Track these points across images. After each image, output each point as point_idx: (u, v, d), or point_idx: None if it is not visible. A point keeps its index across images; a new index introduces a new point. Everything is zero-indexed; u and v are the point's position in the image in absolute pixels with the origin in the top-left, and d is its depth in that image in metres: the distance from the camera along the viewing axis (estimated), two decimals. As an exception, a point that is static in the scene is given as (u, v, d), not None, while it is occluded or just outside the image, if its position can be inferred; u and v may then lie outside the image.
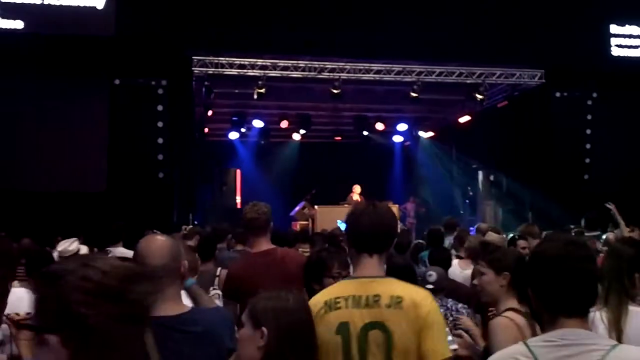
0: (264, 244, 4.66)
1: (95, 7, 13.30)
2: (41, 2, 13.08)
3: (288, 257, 4.67)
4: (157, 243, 2.79)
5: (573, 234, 8.64)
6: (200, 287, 3.67)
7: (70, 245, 6.08)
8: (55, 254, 6.15)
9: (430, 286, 4.77)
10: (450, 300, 4.89)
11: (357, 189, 17.25)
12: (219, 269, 5.87)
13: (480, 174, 18.12)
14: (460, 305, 4.82)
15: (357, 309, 2.67)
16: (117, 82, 13.44)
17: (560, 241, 2.17)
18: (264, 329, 2.34)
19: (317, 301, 2.76)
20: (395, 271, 5.00)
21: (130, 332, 1.45)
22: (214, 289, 5.49)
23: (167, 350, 2.54)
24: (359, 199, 16.99)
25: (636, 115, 15.46)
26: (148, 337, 2.52)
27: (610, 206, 7.33)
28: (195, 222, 13.99)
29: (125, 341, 1.44)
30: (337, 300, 2.71)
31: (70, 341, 1.38)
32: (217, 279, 5.71)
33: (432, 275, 4.94)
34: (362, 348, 2.63)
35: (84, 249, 6.26)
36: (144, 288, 1.49)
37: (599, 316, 3.38)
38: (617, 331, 3.22)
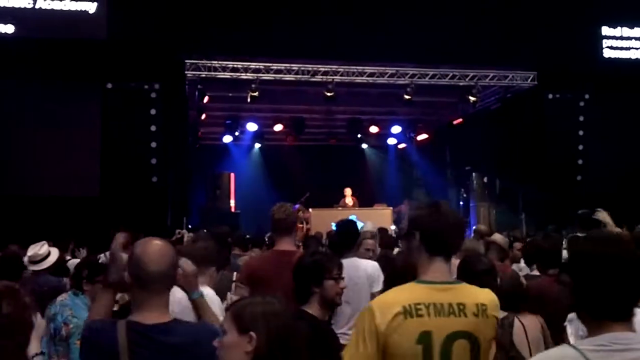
0: (285, 245, 4.77)
1: (87, 11, 13.29)
2: (32, 6, 13.06)
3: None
4: (155, 248, 2.70)
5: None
6: (206, 301, 3.65)
7: (40, 249, 6.05)
8: (25, 259, 6.12)
9: None
10: None
11: (348, 191, 17.26)
12: (235, 273, 5.75)
13: (474, 176, 18.13)
14: None
15: (441, 318, 2.54)
16: (109, 86, 13.41)
17: (607, 240, 2.09)
18: (252, 333, 2.30)
19: (389, 304, 2.57)
20: (396, 272, 5.01)
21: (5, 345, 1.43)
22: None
23: (137, 356, 2.54)
24: (352, 202, 16.99)
25: (628, 116, 15.52)
26: (122, 339, 2.54)
27: (601, 215, 7.19)
28: (189, 226, 13.95)
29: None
30: (418, 307, 2.54)
31: None
32: (233, 284, 5.61)
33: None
34: (446, 357, 2.52)
35: (54, 252, 6.22)
36: (14, 302, 1.47)
37: None
38: None
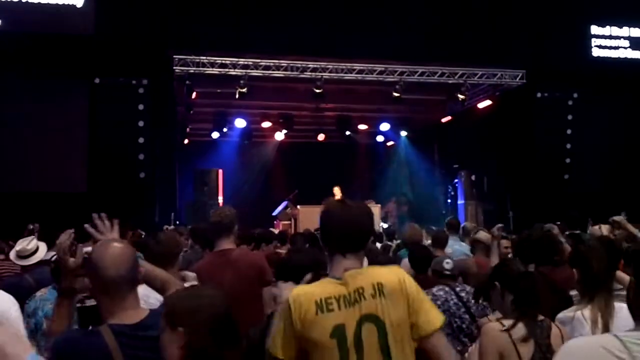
0: (224, 244, 4.91)
1: (74, 5, 13.20)
2: (19, 0, 12.95)
3: (241, 257, 4.92)
4: (113, 252, 2.68)
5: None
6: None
7: (28, 244, 6.01)
8: (12, 254, 6.08)
9: (448, 272, 4.95)
10: (467, 286, 4.97)
11: (337, 191, 17.24)
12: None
13: (462, 174, 18.17)
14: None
15: (350, 309, 2.59)
16: (97, 81, 13.33)
17: None
18: (180, 329, 2.31)
19: (304, 297, 2.62)
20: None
21: None
22: None
23: (126, 357, 2.53)
24: (340, 202, 16.95)
25: (616, 115, 15.59)
26: (112, 343, 2.52)
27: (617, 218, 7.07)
28: (177, 222, 13.91)
29: None
30: (329, 302, 2.60)
31: None
32: None
33: (449, 262, 5.02)
34: (359, 345, 2.55)
35: (42, 247, 6.17)
36: None
37: (580, 315, 3.38)
38: (604, 327, 3.20)
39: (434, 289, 4.81)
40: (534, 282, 3.69)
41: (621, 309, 3.29)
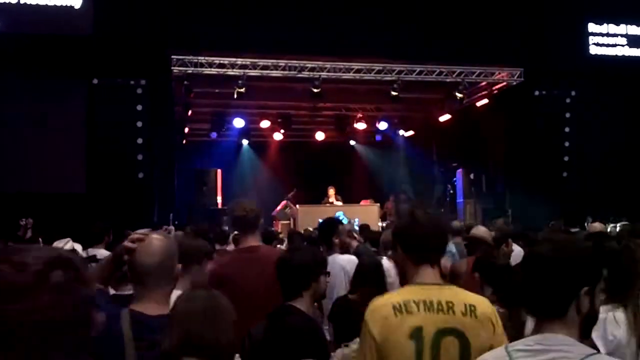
0: (249, 241, 4.63)
1: (72, 7, 13.19)
2: (17, 1, 12.95)
3: (269, 255, 4.52)
4: (151, 242, 2.73)
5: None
6: None
7: (64, 246, 5.95)
8: None
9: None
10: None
11: (331, 191, 17.25)
12: None
13: (460, 172, 18.19)
14: None
15: (430, 314, 2.56)
16: (95, 81, 13.31)
17: (547, 241, 2.12)
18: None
19: (381, 304, 2.62)
20: (365, 268, 5.05)
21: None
22: None
23: (141, 349, 2.56)
24: (335, 200, 16.99)
25: (614, 113, 15.60)
26: (126, 330, 2.55)
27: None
28: (176, 222, 13.91)
29: None
30: (407, 304, 2.58)
31: None
32: None
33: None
34: (435, 353, 2.52)
35: (77, 248, 6.16)
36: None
37: (612, 317, 3.27)
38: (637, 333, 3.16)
39: None
40: (514, 276, 3.65)
41: None
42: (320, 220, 6.61)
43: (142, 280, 2.71)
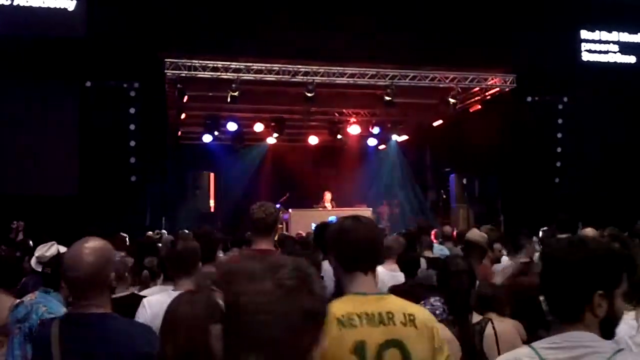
0: (264, 244, 4.63)
1: (66, 9, 13.19)
2: (10, 3, 12.93)
3: None
4: (74, 253, 2.75)
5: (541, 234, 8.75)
6: None
7: (47, 250, 5.93)
8: (33, 260, 6.04)
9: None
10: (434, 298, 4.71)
11: (327, 196, 17.24)
12: None
13: (453, 177, 18.22)
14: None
15: (373, 327, 2.54)
16: (88, 84, 13.31)
17: (564, 243, 2.13)
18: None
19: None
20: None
21: None
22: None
23: (68, 346, 2.60)
24: (331, 206, 16.99)
25: (606, 119, 15.66)
26: (55, 330, 2.59)
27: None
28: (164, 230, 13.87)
29: None
30: (351, 317, 2.56)
31: None
32: None
33: (434, 277, 4.71)
34: None
35: (63, 251, 6.13)
36: None
37: (628, 318, 3.17)
38: None
39: (432, 299, 4.63)
40: (463, 282, 3.63)
41: None
42: (314, 225, 6.60)
43: (76, 290, 2.74)
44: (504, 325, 3.61)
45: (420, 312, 2.68)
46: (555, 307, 2.06)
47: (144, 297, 4.42)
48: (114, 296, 4.28)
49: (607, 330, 2.04)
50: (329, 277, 5.17)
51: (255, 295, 1.39)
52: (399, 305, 2.64)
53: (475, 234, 6.29)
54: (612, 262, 2.06)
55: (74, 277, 2.70)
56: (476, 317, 3.71)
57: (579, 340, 1.99)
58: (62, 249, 6.08)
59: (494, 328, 3.52)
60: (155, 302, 3.96)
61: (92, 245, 2.78)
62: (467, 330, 3.45)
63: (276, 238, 9.27)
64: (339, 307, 2.60)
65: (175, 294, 2.82)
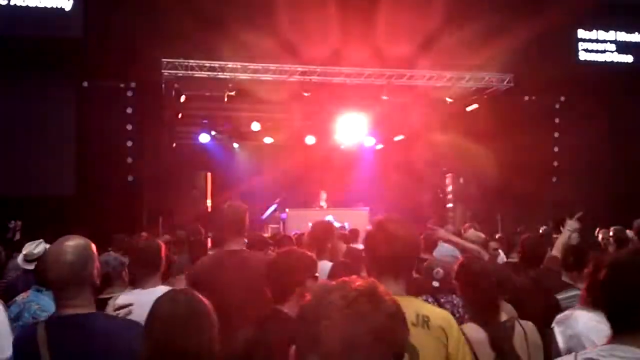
0: (235, 245, 4.57)
1: (63, 8, 13.16)
2: (7, 2, 12.91)
3: (250, 260, 4.51)
4: (63, 252, 2.74)
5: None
6: None
7: (35, 248, 5.94)
8: (19, 258, 6.03)
9: (437, 284, 4.55)
10: (454, 296, 4.54)
11: (323, 195, 17.23)
12: None
13: (450, 177, 18.23)
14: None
15: None
16: (85, 84, 13.30)
17: (631, 250, 2.11)
18: None
19: None
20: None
21: None
22: None
23: (56, 347, 2.59)
24: (326, 206, 16.99)
25: (603, 118, 15.68)
26: (41, 333, 2.59)
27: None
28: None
29: None
30: None
31: None
32: None
33: (439, 272, 4.57)
34: None
35: None
36: None
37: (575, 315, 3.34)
38: None
39: (422, 297, 4.45)
40: (491, 283, 3.63)
41: None
42: (310, 224, 6.56)
43: (56, 291, 2.74)
44: (526, 323, 3.62)
45: (438, 314, 2.66)
46: (612, 316, 2.01)
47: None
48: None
49: None
50: (323, 276, 5.20)
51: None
52: (415, 306, 2.64)
53: (472, 234, 6.32)
54: None
55: (55, 276, 2.69)
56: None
57: (620, 354, 1.93)
58: None
59: (522, 327, 3.52)
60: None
61: (73, 243, 2.78)
62: (498, 331, 3.44)
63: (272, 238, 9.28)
64: None
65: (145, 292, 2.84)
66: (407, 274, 2.76)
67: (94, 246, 2.87)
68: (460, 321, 3.89)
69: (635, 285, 1.95)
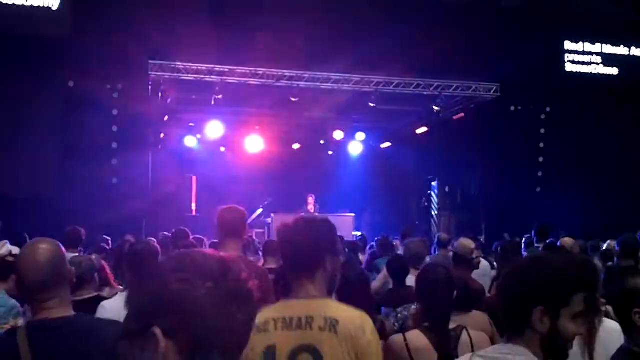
0: (231, 249, 4.44)
1: (50, 8, 13.08)
2: (-6, 1, 12.83)
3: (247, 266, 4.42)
4: (38, 254, 2.69)
5: (524, 244, 8.77)
6: None
7: (1, 249, 5.85)
8: None
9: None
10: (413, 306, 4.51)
11: (310, 199, 17.22)
12: None
13: (436, 185, 18.27)
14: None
15: (287, 332, 2.53)
16: (71, 84, 13.22)
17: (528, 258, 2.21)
18: None
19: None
20: (349, 282, 4.96)
21: (232, 311, 1.38)
22: None
23: (39, 353, 2.56)
24: (313, 210, 16.98)
25: (588, 129, 15.79)
26: (22, 339, 2.54)
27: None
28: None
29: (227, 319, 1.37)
30: (266, 322, 2.55)
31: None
32: None
33: None
34: None
35: (15, 251, 6.04)
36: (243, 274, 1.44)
37: None
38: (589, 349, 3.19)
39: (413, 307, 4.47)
40: (440, 290, 3.64)
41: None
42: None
43: (35, 294, 2.68)
44: (478, 334, 3.63)
45: (349, 317, 2.58)
46: (501, 320, 2.14)
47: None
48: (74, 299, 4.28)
49: (552, 348, 2.01)
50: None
51: None
52: (325, 310, 2.58)
53: (463, 242, 6.32)
54: (560, 280, 2.02)
55: (33, 281, 2.65)
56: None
57: (506, 352, 2.01)
58: (15, 250, 5.99)
59: (469, 335, 3.53)
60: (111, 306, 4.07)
61: (46, 246, 2.75)
62: (445, 338, 3.45)
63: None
64: (261, 315, 2.57)
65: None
66: (321, 274, 2.68)
67: (62, 248, 2.85)
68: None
69: (517, 290, 2.06)
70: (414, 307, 4.39)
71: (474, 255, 6.28)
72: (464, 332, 3.54)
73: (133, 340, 1.33)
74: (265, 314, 2.58)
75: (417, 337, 3.44)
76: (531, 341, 2.01)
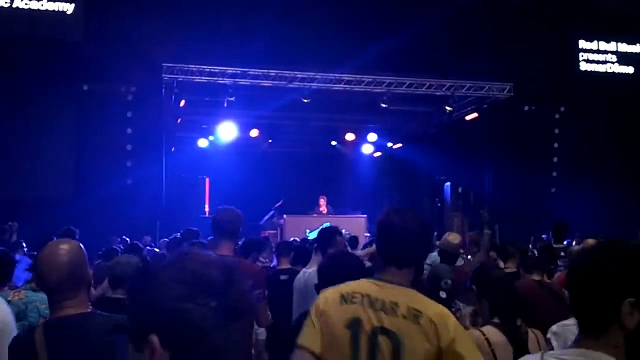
0: (225, 250, 4.54)
1: (65, 12, 13.16)
2: (9, 5, 12.91)
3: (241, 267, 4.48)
4: (58, 255, 2.73)
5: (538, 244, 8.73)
6: None
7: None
8: None
9: (444, 295, 4.35)
10: (459, 302, 4.51)
11: (322, 201, 17.19)
12: None
13: (449, 186, 18.21)
14: (471, 308, 4.38)
15: (372, 310, 2.57)
16: (85, 87, 13.30)
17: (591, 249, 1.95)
18: None
19: (333, 292, 2.67)
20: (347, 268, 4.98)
21: (231, 327, 1.37)
22: None
23: (55, 350, 2.58)
24: (325, 211, 16.95)
25: (602, 128, 15.70)
26: (40, 337, 2.57)
27: None
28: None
29: (225, 337, 1.36)
30: (354, 295, 2.62)
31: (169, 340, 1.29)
32: None
33: (448, 282, 4.41)
34: (372, 349, 2.52)
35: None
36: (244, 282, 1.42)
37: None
38: None
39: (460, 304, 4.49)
40: (510, 288, 3.67)
41: None
42: (308, 231, 6.55)
43: (53, 294, 2.73)
44: (539, 333, 3.68)
45: (432, 310, 2.59)
46: (579, 318, 1.87)
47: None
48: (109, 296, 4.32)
49: (633, 347, 1.77)
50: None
51: None
52: (411, 299, 2.61)
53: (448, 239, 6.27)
54: None
55: (54, 281, 2.68)
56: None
57: (576, 355, 1.80)
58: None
59: (533, 332, 3.59)
60: None
61: (65, 247, 2.79)
62: (519, 334, 3.51)
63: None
64: (347, 286, 2.69)
65: None
66: (414, 265, 2.76)
67: (83, 247, 2.88)
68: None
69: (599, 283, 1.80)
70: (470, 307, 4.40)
71: (494, 258, 6.27)
72: (529, 330, 3.59)
73: (131, 339, 1.34)
74: (352, 287, 2.67)
75: (493, 332, 3.49)
76: (614, 340, 1.78)
